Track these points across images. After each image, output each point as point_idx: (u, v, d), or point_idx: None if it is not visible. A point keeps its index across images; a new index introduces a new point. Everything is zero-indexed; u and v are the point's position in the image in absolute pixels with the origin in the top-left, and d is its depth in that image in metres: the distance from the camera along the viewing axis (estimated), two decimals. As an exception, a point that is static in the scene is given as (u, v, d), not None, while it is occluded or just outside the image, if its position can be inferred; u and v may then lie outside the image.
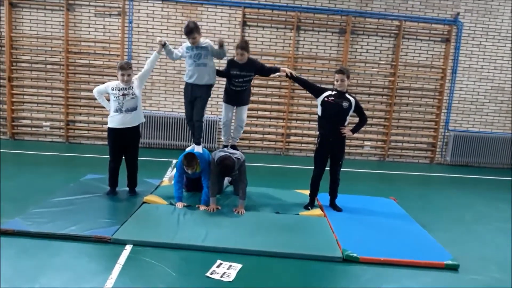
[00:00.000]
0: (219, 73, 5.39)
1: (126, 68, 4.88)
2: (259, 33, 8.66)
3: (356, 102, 5.00)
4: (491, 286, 3.65)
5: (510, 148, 9.11)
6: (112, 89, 4.91)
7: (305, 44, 8.75)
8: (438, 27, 8.78)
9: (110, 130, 5.01)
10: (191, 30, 4.92)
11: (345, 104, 4.90)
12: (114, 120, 4.95)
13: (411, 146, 9.22)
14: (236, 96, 5.42)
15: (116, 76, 4.99)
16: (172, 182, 5.18)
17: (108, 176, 5.19)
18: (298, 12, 8.56)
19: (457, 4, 8.73)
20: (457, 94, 9.06)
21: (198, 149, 5.09)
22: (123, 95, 4.90)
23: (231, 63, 5.31)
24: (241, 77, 5.26)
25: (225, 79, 5.46)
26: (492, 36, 8.86)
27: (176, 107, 8.76)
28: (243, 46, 5.18)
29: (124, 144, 5.07)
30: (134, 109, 4.96)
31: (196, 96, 5.15)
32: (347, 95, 4.96)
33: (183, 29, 5.11)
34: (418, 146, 9.23)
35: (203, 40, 5.11)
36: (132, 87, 4.96)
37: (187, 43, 5.13)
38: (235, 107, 5.54)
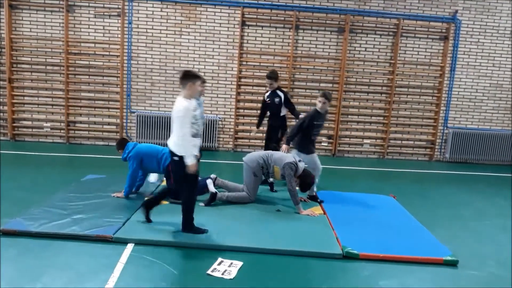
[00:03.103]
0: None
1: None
2: (258, 32, 8.69)
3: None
4: (490, 281, 3.69)
5: (509, 144, 9.14)
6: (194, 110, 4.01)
7: (304, 43, 8.78)
8: (436, 25, 8.81)
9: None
10: None
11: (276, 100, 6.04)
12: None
13: (410, 144, 9.25)
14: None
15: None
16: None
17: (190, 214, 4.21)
18: (297, 11, 8.59)
19: (455, 2, 8.76)
20: (455, 92, 9.09)
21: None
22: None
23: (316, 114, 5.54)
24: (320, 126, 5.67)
25: None
26: (490, 34, 8.89)
27: (176, 107, 8.79)
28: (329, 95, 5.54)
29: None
30: None
31: None
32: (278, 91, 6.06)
33: None
34: (417, 144, 9.26)
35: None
36: None
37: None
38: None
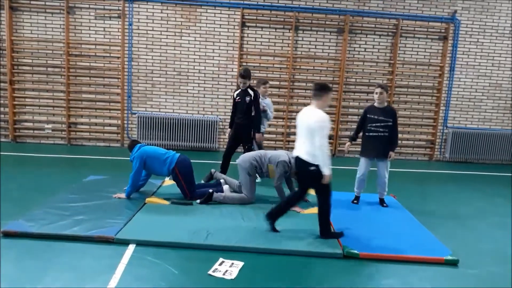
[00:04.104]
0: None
1: None
2: (258, 33, 8.71)
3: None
4: (490, 280, 3.71)
5: (508, 144, 9.16)
6: None
7: (303, 44, 8.80)
8: (435, 25, 8.83)
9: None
10: None
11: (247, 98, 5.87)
12: None
13: (410, 144, 9.26)
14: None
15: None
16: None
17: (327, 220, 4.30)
18: (296, 12, 8.61)
19: (454, 2, 8.78)
20: (455, 91, 9.11)
21: None
22: None
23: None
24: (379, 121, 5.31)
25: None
26: (489, 33, 8.91)
27: (176, 108, 8.81)
28: (384, 86, 5.34)
29: None
30: None
31: None
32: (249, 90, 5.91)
33: None
34: (417, 144, 9.28)
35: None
36: None
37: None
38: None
